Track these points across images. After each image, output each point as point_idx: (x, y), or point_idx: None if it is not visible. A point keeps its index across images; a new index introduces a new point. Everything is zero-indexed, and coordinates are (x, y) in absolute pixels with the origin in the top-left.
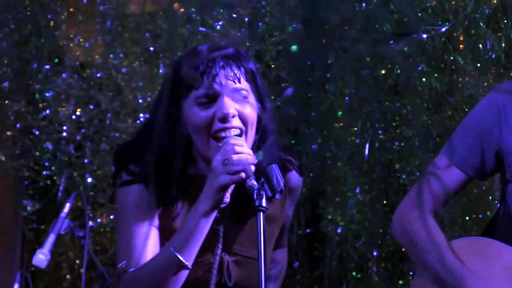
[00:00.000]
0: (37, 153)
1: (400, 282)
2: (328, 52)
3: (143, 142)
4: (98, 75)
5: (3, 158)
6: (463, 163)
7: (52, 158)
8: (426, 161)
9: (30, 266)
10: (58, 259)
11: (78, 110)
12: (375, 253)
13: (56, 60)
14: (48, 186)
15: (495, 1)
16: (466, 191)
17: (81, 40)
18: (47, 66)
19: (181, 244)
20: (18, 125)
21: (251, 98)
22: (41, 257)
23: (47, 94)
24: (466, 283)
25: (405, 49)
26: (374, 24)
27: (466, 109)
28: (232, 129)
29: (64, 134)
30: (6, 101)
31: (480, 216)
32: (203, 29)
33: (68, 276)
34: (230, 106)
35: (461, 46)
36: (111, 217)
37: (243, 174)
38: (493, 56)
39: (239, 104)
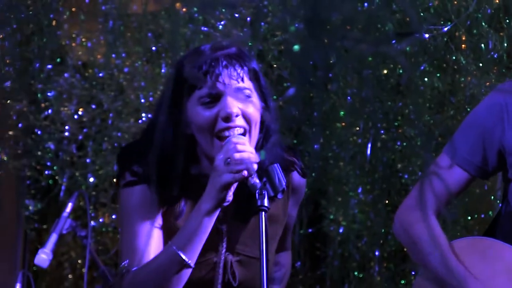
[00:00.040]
0: (39, 153)
1: (402, 282)
2: (330, 52)
3: (146, 143)
4: (100, 74)
5: (5, 158)
6: (465, 162)
7: (54, 158)
8: (428, 160)
9: (32, 265)
10: (60, 259)
11: (80, 109)
12: (377, 253)
13: (58, 60)
14: (50, 186)
15: (497, 1)
16: (468, 190)
17: (83, 39)
18: (49, 66)
19: (184, 243)
20: (20, 125)
21: (255, 97)
22: (43, 257)
23: (49, 94)
24: (468, 283)
25: (407, 48)
26: (376, 24)
27: (468, 109)
28: (236, 128)
29: (66, 133)
30: (8, 101)
31: (482, 215)
32: (205, 28)
33: (70, 276)
34: (234, 105)
35: (463, 45)
36: (113, 216)
37: (245, 173)
38: (495, 56)
39: (243, 103)
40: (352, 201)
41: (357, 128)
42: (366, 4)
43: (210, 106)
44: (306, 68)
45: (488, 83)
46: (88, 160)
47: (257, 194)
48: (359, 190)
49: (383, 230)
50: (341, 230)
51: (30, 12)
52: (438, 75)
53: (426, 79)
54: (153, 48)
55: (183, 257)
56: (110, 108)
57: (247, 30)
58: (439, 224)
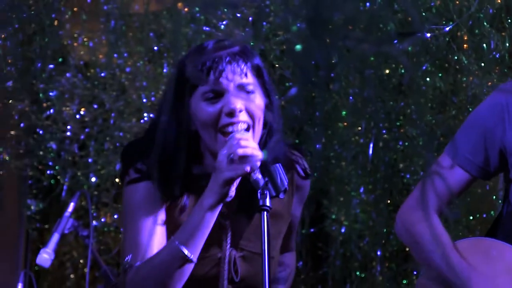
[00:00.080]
0: (41, 153)
1: (404, 281)
2: (332, 52)
3: (150, 140)
4: (102, 74)
5: (7, 158)
6: (466, 162)
7: (56, 158)
8: (430, 160)
9: (34, 265)
10: (62, 259)
11: (82, 109)
12: (379, 253)
13: (60, 60)
14: (52, 186)
15: (499, 1)
16: (470, 190)
17: (85, 39)
18: (51, 66)
19: (186, 238)
20: (22, 125)
21: (258, 93)
22: (45, 257)
23: (51, 94)
24: (472, 282)
25: (409, 48)
26: (378, 24)
27: (470, 109)
28: (240, 124)
29: (68, 133)
30: (10, 101)
31: (484, 215)
32: (207, 28)
33: (72, 276)
34: (237, 101)
35: (465, 45)
36: (115, 216)
37: (248, 168)
38: (497, 56)
39: (246, 99)
40: (354, 201)
41: (359, 128)
42: (368, 4)
43: (214, 102)
44: (308, 67)
45: (490, 83)
46: (90, 160)
47: (259, 194)
48: (361, 190)
49: (385, 230)
50: (343, 230)
51: (32, 12)
52: (440, 75)
53: (428, 79)
54: (155, 48)
55: (185, 252)
56: (112, 108)
57: (249, 30)
58: (441, 223)
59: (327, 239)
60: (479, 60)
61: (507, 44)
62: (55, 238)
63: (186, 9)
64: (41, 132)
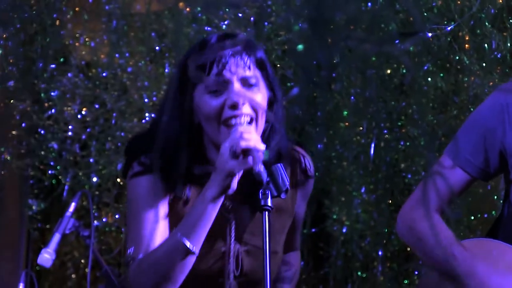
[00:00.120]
0: (43, 153)
1: (405, 281)
2: (334, 52)
3: (154, 134)
4: (104, 74)
5: (9, 157)
6: (467, 163)
7: (58, 158)
8: (431, 160)
9: (35, 265)
10: (63, 259)
11: (84, 109)
12: (380, 253)
13: (62, 59)
14: (53, 186)
15: (501, 1)
16: (471, 190)
17: (86, 39)
18: (53, 65)
19: (188, 230)
20: (23, 124)
21: (262, 86)
22: (46, 257)
23: (52, 94)
24: (477, 271)
25: (411, 48)
26: (380, 24)
27: (472, 109)
28: (243, 116)
29: (70, 133)
30: (12, 100)
31: (486, 215)
32: (208, 28)
33: (73, 276)
34: (240, 93)
35: (466, 45)
36: (117, 216)
37: (250, 160)
38: (498, 56)
39: (249, 91)
40: (356, 201)
41: (361, 128)
42: (370, 4)
43: (217, 95)
44: (310, 67)
45: (491, 83)
46: (91, 160)
47: (260, 194)
48: (363, 189)
49: (386, 230)
50: (344, 230)
51: (34, 12)
52: (442, 75)
53: (429, 79)
54: (157, 47)
55: (188, 244)
56: (113, 108)
57: (250, 29)
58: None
59: (329, 239)
60: (481, 60)
61: (509, 44)
62: (56, 238)
63: (187, 9)
64: (42, 132)
